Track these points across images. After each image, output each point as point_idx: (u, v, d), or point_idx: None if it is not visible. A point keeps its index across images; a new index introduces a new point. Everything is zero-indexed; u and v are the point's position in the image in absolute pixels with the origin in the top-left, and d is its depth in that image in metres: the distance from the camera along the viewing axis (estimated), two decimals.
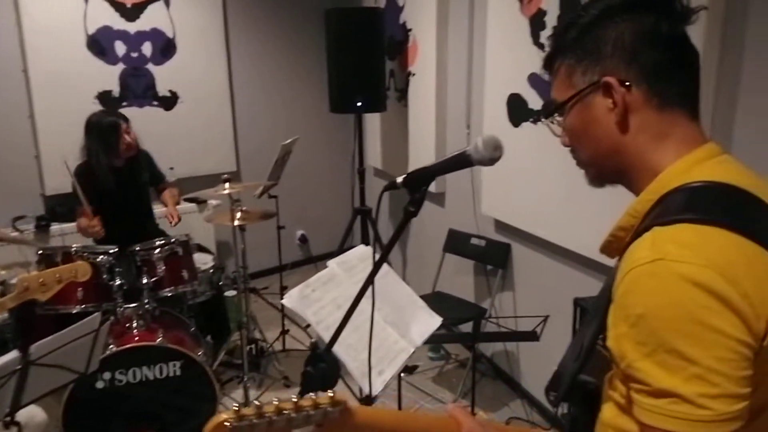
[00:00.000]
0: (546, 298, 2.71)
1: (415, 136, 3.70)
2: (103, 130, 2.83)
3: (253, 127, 4.30)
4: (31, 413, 1.92)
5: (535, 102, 2.57)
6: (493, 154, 0.99)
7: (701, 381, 0.62)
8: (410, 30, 3.58)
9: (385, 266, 1.75)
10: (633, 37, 0.77)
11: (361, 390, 1.40)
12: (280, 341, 3.38)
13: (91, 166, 2.84)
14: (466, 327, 2.99)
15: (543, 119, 0.89)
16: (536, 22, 2.50)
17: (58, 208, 3.44)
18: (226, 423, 0.74)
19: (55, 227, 3.38)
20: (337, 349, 1.36)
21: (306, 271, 4.57)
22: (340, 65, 3.44)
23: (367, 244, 3.93)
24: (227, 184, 2.72)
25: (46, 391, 1.81)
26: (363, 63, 3.42)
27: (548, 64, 0.87)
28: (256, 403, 0.75)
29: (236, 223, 2.84)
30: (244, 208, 2.97)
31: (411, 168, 4.07)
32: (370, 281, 1.16)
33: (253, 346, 3.20)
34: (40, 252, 2.48)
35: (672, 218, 0.69)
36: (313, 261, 4.74)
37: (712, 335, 0.62)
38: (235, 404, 0.75)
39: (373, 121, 4.16)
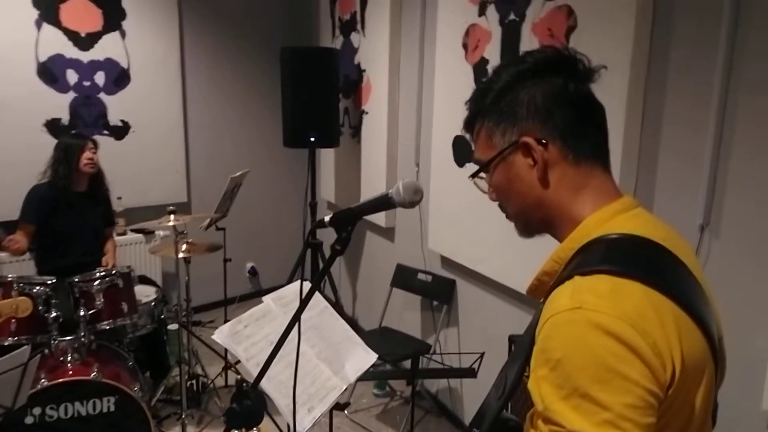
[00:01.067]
0: (486, 335, 2.77)
1: (367, 172, 3.77)
2: (69, 148, 2.90)
3: (206, 158, 4.30)
4: None
5: None
6: (413, 198, 1.06)
7: (611, 426, 0.65)
8: (364, 70, 3.69)
9: (323, 302, 1.78)
10: (544, 99, 0.84)
11: (289, 427, 1.41)
12: (222, 376, 3.31)
13: (51, 185, 2.89)
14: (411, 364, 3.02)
15: (470, 178, 0.95)
16: (479, 69, 2.63)
17: None
18: None
19: None
20: (267, 385, 1.38)
21: (254, 304, 4.50)
22: (295, 101, 3.51)
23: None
24: (172, 216, 2.71)
25: None
26: (317, 100, 3.49)
27: (468, 126, 0.93)
28: None
29: (181, 255, 2.82)
30: (190, 240, 2.96)
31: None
32: (297, 317, 1.19)
33: (194, 381, 3.13)
34: None
35: (591, 269, 0.74)
36: (262, 294, 4.60)
37: (623, 382, 0.66)
38: None
39: (327, 156, 4.22)
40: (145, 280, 3.33)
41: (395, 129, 3.48)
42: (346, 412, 3.00)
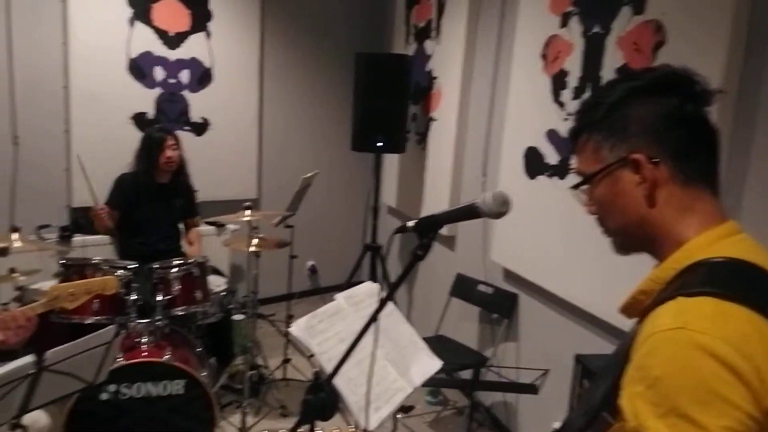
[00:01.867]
0: (548, 352, 2.72)
1: (431, 179, 3.79)
2: (150, 143, 3.06)
3: (278, 157, 4.43)
4: (35, 417, 1.97)
5: (551, 157, 2.65)
6: (500, 209, 1.06)
7: None
8: (435, 77, 3.71)
9: (390, 305, 1.80)
10: (658, 117, 0.84)
11: (357, 424, 1.44)
12: (281, 370, 3.40)
13: (135, 175, 3.06)
14: (466, 374, 3.00)
15: (571, 189, 0.94)
16: (558, 81, 2.60)
17: (81, 220, 3.56)
18: None
19: (77, 238, 3.48)
20: (338, 381, 1.41)
21: (313, 302, 4.61)
22: (365, 106, 3.57)
23: (374, 280, 3.99)
24: (248, 211, 2.81)
25: (54, 398, 1.86)
26: (387, 105, 3.55)
27: (574, 137, 0.93)
28: None
29: (252, 249, 2.92)
30: (261, 236, 3.06)
31: (425, 209, 4.17)
32: (374, 318, 1.21)
33: (254, 372, 3.23)
34: (63, 261, 2.57)
35: (695, 290, 0.74)
36: (320, 292, 4.78)
37: (723, 405, 0.66)
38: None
39: (391, 162, 4.27)
40: (215, 271, 3.46)
41: (463, 137, 3.48)
42: (399, 416, 3.01)
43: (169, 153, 3.07)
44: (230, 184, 4.17)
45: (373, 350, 1.18)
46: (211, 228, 3.96)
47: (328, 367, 1.45)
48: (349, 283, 4.05)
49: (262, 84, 4.22)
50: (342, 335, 1.54)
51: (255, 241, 2.95)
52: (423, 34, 3.88)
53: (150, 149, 3.07)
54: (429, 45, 3.81)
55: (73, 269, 2.56)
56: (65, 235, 3.47)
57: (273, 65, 4.26)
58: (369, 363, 1.49)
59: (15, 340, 1.90)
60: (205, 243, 3.92)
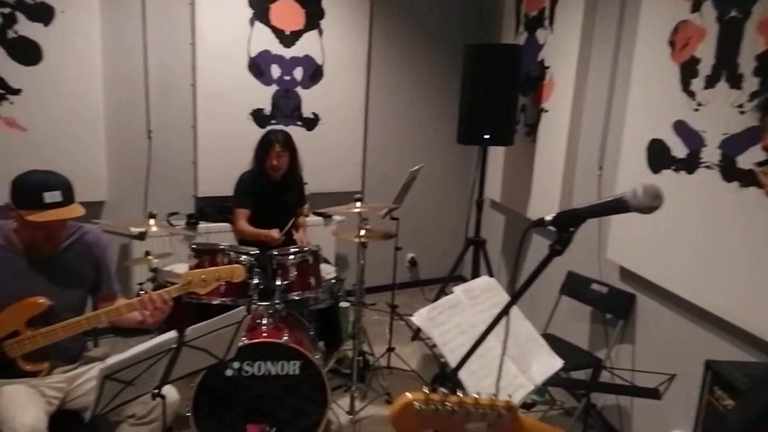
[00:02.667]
0: (668, 356, 2.56)
1: (540, 173, 3.68)
2: (263, 142, 3.21)
3: (381, 151, 4.51)
4: (168, 390, 2.15)
5: (679, 150, 2.48)
6: (652, 203, 1.00)
7: None
8: (548, 67, 3.60)
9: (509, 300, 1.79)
10: None
11: None
12: (385, 357, 3.48)
13: (253, 173, 3.24)
14: (576, 375, 2.90)
15: (756, 166, 0.88)
16: (687, 69, 2.43)
17: (206, 208, 3.84)
18: (414, 404, 0.81)
19: (202, 225, 3.76)
20: (461, 373, 1.42)
21: (412, 294, 4.67)
22: (473, 98, 3.54)
23: (477, 274, 3.95)
24: (358, 203, 2.89)
25: (189, 371, 2.03)
26: (495, 97, 3.49)
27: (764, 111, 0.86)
28: (443, 390, 0.83)
29: (361, 239, 3.00)
30: (368, 227, 3.14)
31: (532, 203, 4.06)
32: (506, 311, 1.21)
33: (361, 358, 3.32)
34: (194, 246, 2.79)
35: None
36: (419, 284, 4.82)
37: None
38: (425, 388, 0.82)
39: (496, 154, 4.19)
40: (324, 260, 3.60)
41: (577, 129, 3.34)
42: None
43: (274, 161, 3.19)
44: (336, 177, 4.31)
45: (504, 343, 1.18)
46: (319, 219, 4.12)
47: (450, 358, 1.47)
48: (451, 277, 4.06)
49: (368, 79, 4.31)
50: (462, 327, 1.55)
51: (363, 231, 3.02)
52: (535, 23, 3.77)
53: (260, 152, 3.22)
54: (541, 34, 3.69)
55: (203, 253, 2.77)
56: (191, 222, 3.76)
57: (380, 60, 4.33)
58: (491, 357, 1.49)
59: (152, 320, 2.10)
60: (312, 233, 4.08)
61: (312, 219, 4.09)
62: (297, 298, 2.84)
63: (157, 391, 1.92)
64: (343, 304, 3.55)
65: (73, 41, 3.31)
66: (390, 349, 3.50)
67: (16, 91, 3.23)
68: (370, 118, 4.41)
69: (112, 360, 1.65)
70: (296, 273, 2.82)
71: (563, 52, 3.41)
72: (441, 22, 4.51)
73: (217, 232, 3.71)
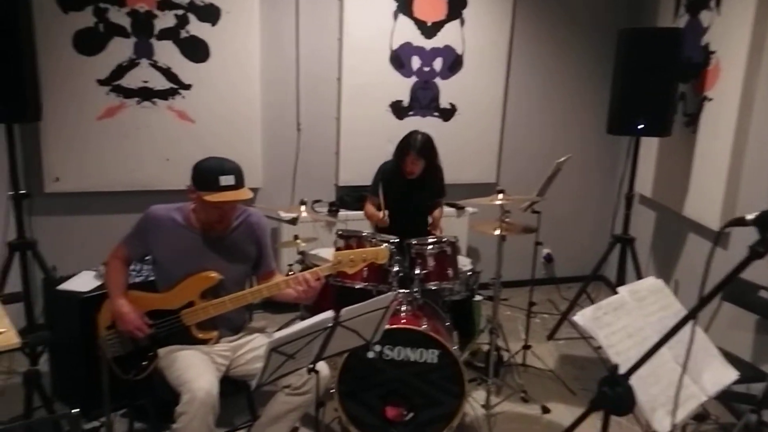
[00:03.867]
0: None
1: (701, 167, 3.37)
2: (402, 145, 3.23)
3: (519, 142, 4.40)
4: (321, 366, 2.28)
5: None
6: None
7: None
8: (713, 52, 3.27)
9: (678, 305, 1.67)
10: None
11: (647, 424, 1.37)
12: (520, 355, 3.41)
13: (391, 165, 3.30)
14: (738, 389, 2.63)
15: None
16: None
17: (346, 197, 4.01)
18: None
19: (342, 213, 3.94)
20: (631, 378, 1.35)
21: (547, 291, 4.51)
22: (626, 85, 3.32)
23: (621, 275, 3.72)
24: (500, 195, 2.85)
25: (341, 350, 2.15)
26: (652, 84, 3.24)
27: None
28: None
29: (499, 232, 2.95)
30: (508, 220, 3.07)
31: (689, 200, 3.74)
32: (692, 315, 1.13)
33: (496, 353, 3.28)
34: (340, 232, 2.93)
35: None
36: (555, 282, 4.65)
37: None
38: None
39: (648, 146, 3.90)
40: None
41: (747, 119, 3.01)
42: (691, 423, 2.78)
43: (408, 167, 3.21)
44: (471, 168, 4.28)
45: (686, 356, 1.10)
46: (452, 210, 4.11)
47: (616, 361, 1.40)
48: (594, 276, 3.86)
49: (509, 67, 4.21)
50: (629, 330, 1.47)
51: (502, 224, 2.97)
52: (698, 5, 3.44)
53: (399, 152, 3.24)
54: (706, 16, 3.36)
55: (347, 238, 2.89)
56: (332, 209, 3.94)
57: (522, 47, 4.22)
58: (660, 363, 1.40)
59: (305, 296, 2.24)
60: (445, 224, 4.09)
61: (447, 210, 4.10)
62: (434, 288, 2.87)
63: (312, 366, 2.05)
64: (477, 298, 3.53)
65: (235, 40, 3.60)
66: (526, 347, 3.42)
67: (187, 86, 3.60)
68: (509, 107, 4.31)
69: (278, 334, 1.78)
70: (434, 263, 2.85)
71: (733, 35, 3.08)
72: (588, 5, 4.28)
73: (356, 220, 3.86)
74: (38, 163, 3.41)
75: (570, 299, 3.97)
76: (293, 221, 3.22)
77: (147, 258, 2.56)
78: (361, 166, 3.82)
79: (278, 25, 3.74)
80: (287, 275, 2.36)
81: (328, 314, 1.92)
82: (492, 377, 2.96)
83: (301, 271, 3.01)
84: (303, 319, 3.26)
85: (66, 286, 2.72)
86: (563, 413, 2.96)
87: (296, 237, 3.29)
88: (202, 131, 3.67)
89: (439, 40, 3.99)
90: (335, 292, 2.93)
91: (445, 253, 2.89)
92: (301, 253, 3.28)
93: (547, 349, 3.63)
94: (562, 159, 3.28)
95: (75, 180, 3.50)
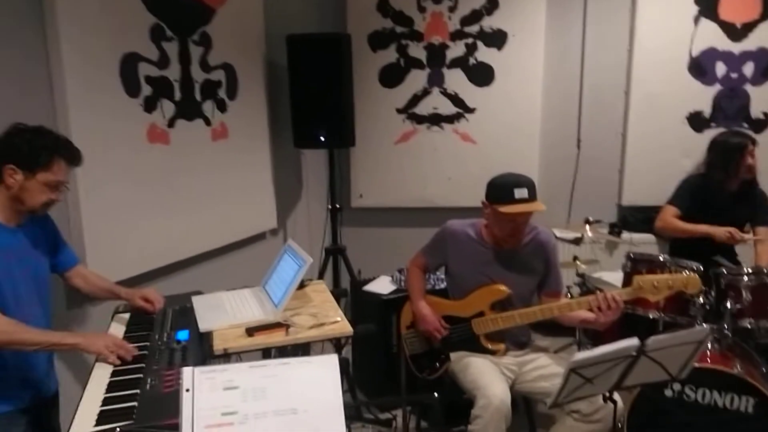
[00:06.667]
0: None
1: None
2: (728, 149, 2.90)
3: None
4: (617, 396, 2.14)
5: None
6: None
7: None
8: None
9: None
10: None
11: None
12: None
13: (706, 179, 2.96)
14: None
15: None
16: None
17: (630, 217, 3.74)
18: None
19: (625, 235, 3.68)
20: None
21: None
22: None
23: None
24: None
25: (639, 382, 2.00)
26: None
27: None
28: None
29: None
30: None
31: None
32: None
33: None
34: (632, 255, 2.74)
35: None
36: None
37: None
38: None
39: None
40: None
41: None
42: None
43: (750, 161, 2.84)
44: None
45: None
46: None
47: None
48: None
49: None
50: None
51: None
52: None
53: (726, 157, 2.89)
54: None
55: (639, 263, 2.69)
56: (614, 230, 3.72)
57: None
58: None
59: (604, 319, 2.13)
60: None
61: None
62: (749, 326, 2.47)
63: (608, 394, 1.95)
64: None
65: (520, 61, 3.70)
66: None
67: (472, 110, 3.81)
68: None
69: (580, 355, 1.75)
70: (751, 297, 2.45)
71: None
72: None
73: (643, 243, 3.57)
74: (348, 182, 4.00)
75: None
76: (576, 241, 3.14)
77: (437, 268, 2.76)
78: (649, 185, 3.54)
79: (563, 42, 3.72)
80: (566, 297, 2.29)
81: (633, 341, 1.81)
82: None
83: (580, 295, 2.89)
84: (581, 345, 3.15)
85: (369, 287, 3.12)
86: None
87: (575, 258, 3.19)
88: (483, 151, 3.84)
89: (750, 43, 3.48)
90: (621, 320, 2.74)
91: (766, 286, 2.47)
92: (581, 275, 3.17)
93: None
94: None
95: (375, 197, 4.00)
